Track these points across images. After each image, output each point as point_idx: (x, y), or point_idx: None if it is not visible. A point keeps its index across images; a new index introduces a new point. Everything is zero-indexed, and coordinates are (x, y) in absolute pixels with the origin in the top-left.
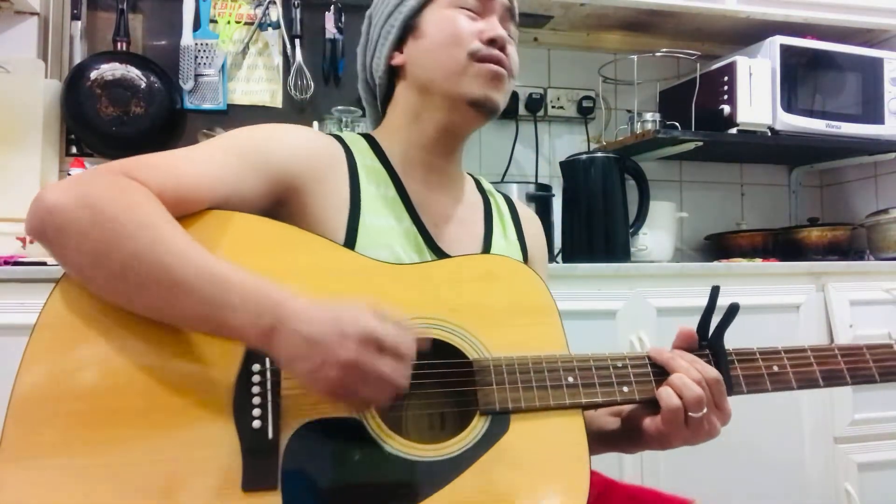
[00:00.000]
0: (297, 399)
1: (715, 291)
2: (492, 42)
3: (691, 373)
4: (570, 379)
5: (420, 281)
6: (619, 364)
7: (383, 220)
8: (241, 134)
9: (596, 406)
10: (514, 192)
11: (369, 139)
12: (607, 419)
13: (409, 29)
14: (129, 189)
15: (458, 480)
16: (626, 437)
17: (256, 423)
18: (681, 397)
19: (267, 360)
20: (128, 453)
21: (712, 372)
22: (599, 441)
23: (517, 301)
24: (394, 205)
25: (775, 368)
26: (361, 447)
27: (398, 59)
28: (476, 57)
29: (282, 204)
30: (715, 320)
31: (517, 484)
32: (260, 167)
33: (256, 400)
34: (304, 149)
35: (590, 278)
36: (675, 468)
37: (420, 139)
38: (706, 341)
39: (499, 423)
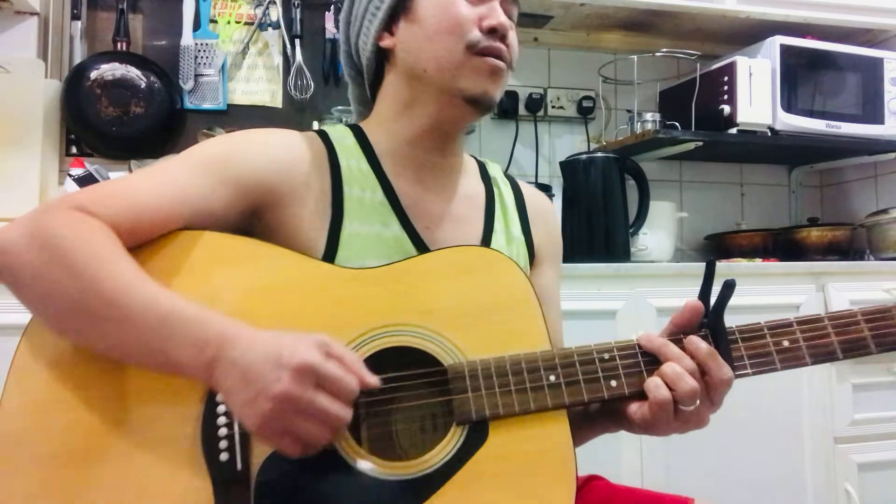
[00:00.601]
0: None
1: (711, 265)
2: (492, 31)
3: (684, 362)
4: (552, 378)
5: (390, 284)
6: (606, 356)
7: (367, 228)
8: (208, 146)
9: (581, 405)
10: None
11: (357, 132)
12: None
13: (400, 8)
14: (81, 224)
15: (435, 498)
16: (608, 417)
17: (224, 456)
18: (673, 389)
19: None
20: (101, 493)
21: (727, 373)
22: (580, 423)
23: (494, 296)
24: (381, 209)
25: (785, 343)
26: (334, 471)
27: (387, 42)
28: (475, 49)
29: (257, 215)
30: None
31: (497, 499)
32: (228, 181)
33: (223, 431)
34: (278, 158)
35: (590, 278)
36: (676, 468)
37: (411, 133)
38: (705, 319)
39: (476, 432)
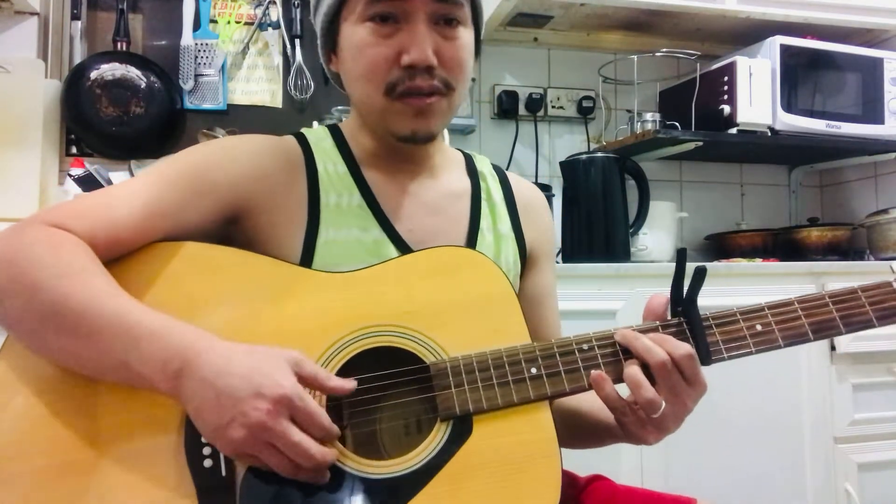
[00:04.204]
0: None
1: (682, 254)
2: (411, 68)
3: (652, 353)
4: (534, 370)
5: (369, 286)
6: (586, 346)
7: (345, 233)
8: (183, 157)
9: (563, 395)
10: None
11: (336, 133)
12: (603, 412)
13: (330, 44)
14: (52, 239)
15: (422, 494)
16: (610, 435)
17: (207, 462)
18: (636, 400)
19: None
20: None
21: (682, 349)
22: (598, 432)
23: (473, 294)
24: (359, 214)
25: (758, 327)
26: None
27: (335, 66)
28: (395, 94)
29: (234, 223)
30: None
31: (485, 490)
32: (203, 192)
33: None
34: (253, 166)
35: (590, 278)
36: (676, 468)
37: (374, 146)
38: (680, 307)
39: (461, 427)
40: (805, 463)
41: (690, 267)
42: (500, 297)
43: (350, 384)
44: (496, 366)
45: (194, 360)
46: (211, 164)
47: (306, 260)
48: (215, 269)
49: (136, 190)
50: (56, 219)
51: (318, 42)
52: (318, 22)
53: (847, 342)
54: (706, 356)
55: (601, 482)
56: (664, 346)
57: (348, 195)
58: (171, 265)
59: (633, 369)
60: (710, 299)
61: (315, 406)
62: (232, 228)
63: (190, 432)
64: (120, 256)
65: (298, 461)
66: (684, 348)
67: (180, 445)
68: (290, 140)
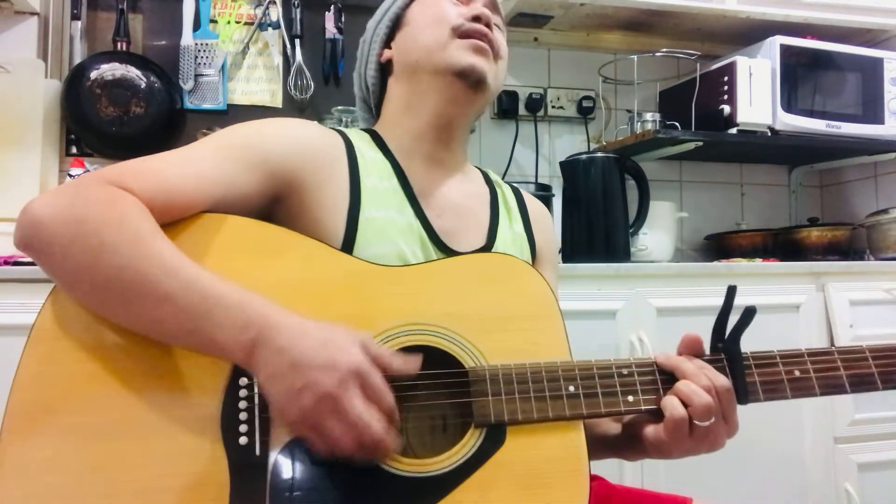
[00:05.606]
0: None
1: (731, 291)
2: (476, 19)
3: (700, 379)
4: (572, 388)
5: (415, 285)
6: (625, 371)
7: (384, 213)
8: (236, 131)
9: (598, 416)
10: None
11: (372, 133)
12: (609, 424)
13: (397, 25)
14: (115, 199)
15: (450, 497)
16: (628, 443)
17: (243, 440)
18: (688, 406)
19: None
20: (118, 469)
21: (722, 380)
22: (601, 446)
23: (517, 304)
24: (395, 196)
25: (797, 373)
26: (350, 463)
27: (386, 55)
28: (458, 32)
29: (280, 200)
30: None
31: (511, 501)
32: (255, 164)
33: (243, 415)
34: (302, 143)
35: (590, 278)
36: (676, 469)
37: (416, 128)
38: (721, 344)
39: (494, 436)
40: (805, 463)
41: (695, 268)
42: (544, 310)
43: (413, 364)
44: (535, 380)
45: (270, 331)
46: (263, 139)
47: (350, 236)
48: (262, 249)
49: (191, 157)
50: (117, 178)
51: (374, 42)
52: (390, 12)
53: (847, 341)
54: (743, 395)
55: (595, 481)
56: (705, 373)
57: (387, 179)
58: (217, 238)
59: (685, 383)
60: (710, 299)
61: (383, 383)
62: (277, 207)
63: (228, 407)
64: (170, 222)
65: (359, 435)
66: (724, 381)
67: (217, 420)
68: (331, 130)
